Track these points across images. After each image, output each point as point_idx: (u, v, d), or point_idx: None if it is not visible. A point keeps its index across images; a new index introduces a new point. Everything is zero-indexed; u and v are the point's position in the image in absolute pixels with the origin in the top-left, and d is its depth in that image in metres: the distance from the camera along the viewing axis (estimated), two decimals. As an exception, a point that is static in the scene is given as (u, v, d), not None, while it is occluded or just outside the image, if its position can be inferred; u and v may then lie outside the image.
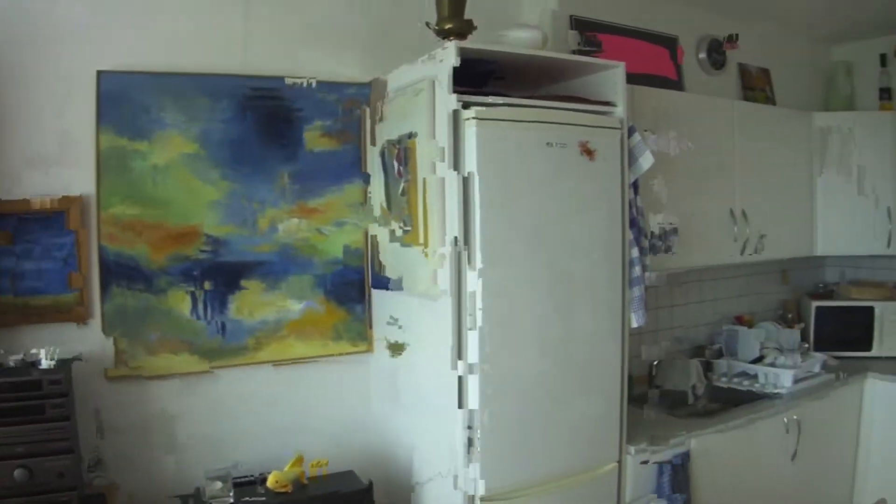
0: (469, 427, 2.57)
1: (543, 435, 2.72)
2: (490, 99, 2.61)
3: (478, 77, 2.78)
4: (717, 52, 4.25)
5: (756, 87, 4.43)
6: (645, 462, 3.05)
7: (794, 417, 3.72)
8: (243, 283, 2.93)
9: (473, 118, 2.51)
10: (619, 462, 2.98)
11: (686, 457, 3.17)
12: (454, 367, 2.57)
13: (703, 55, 4.19)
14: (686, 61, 4.08)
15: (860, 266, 5.14)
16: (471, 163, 2.52)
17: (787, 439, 3.70)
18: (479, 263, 2.53)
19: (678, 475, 3.09)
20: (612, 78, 3.00)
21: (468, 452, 2.58)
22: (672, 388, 3.83)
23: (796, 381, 3.87)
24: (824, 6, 4.28)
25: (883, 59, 4.80)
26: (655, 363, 3.94)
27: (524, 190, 2.63)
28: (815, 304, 4.65)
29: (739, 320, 4.49)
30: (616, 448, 2.97)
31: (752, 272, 4.67)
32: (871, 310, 4.58)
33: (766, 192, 4.12)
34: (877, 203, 4.49)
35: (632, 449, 3.02)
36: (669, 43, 3.97)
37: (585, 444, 2.86)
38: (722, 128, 3.88)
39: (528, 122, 2.63)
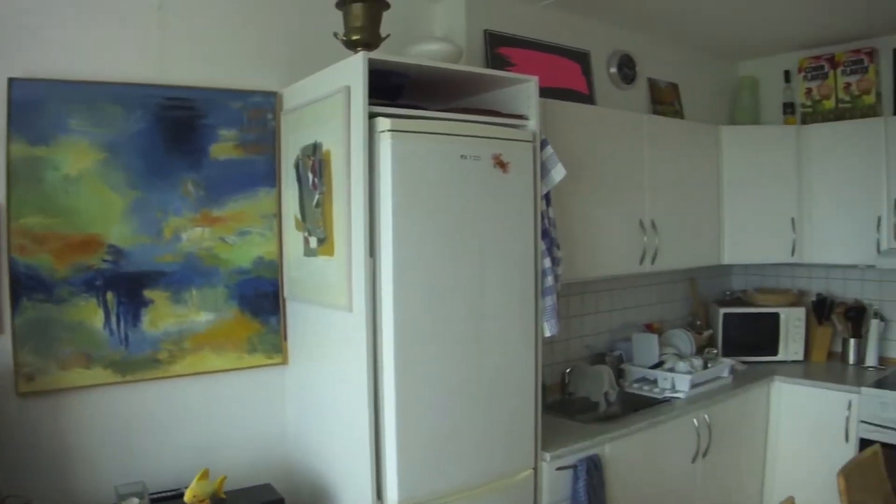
0: (384, 437, 2.59)
1: (459, 443, 2.76)
2: (405, 111, 2.64)
3: (390, 90, 2.80)
4: (627, 67, 4.35)
5: (665, 101, 4.56)
6: (560, 468, 3.11)
7: (705, 418, 3.86)
8: (150, 294, 2.87)
9: (389, 130, 2.53)
10: (535, 469, 3.05)
11: (599, 461, 3.24)
12: (368, 378, 2.58)
13: (613, 70, 4.28)
14: (597, 76, 4.18)
15: (765, 274, 5.34)
16: (385, 175, 2.54)
17: (696, 440, 3.84)
18: (393, 275, 2.54)
19: (593, 480, 3.15)
20: (525, 92, 3.07)
21: (383, 462, 2.60)
22: (585, 396, 3.90)
23: (694, 385, 3.99)
24: (731, 25, 4.43)
25: (787, 76, 5.01)
26: (568, 371, 4.01)
27: (438, 202, 2.66)
28: (723, 310, 4.81)
29: (649, 328, 4.60)
30: (531, 455, 3.03)
31: (662, 281, 4.82)
32: (776, 316, 4.77)
33: (675, 204, 4.26)
34: (781, 213, 4.67)
35: (547, 455, 3.08)
36: (581, 58, 4.06)
37: (501, 451, 2.91)
38: (632, 141, 3.98)
39: (443, 134, 2.66)
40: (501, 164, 2.84)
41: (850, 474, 2.80)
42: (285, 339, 3.20)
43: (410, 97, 3.00)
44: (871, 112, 4.60)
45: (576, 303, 4.27)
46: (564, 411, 3.71)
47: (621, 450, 3.40)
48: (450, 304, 2.70)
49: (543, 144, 3.09)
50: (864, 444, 4.02)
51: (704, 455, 3.90)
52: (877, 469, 3.04)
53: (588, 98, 4.02)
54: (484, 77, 3.02)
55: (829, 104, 4.78)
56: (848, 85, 4.70)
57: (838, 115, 4.73)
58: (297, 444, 3.18)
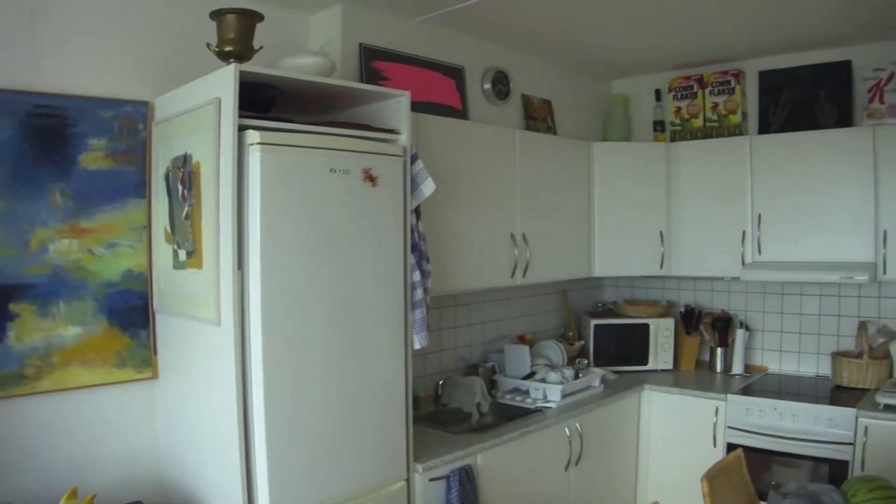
0: (254, 453, 2.58)
1: (331, 457, 2.77)
2: (275, 124, 2.64)
3: (263, 103, 2.80)
4: (501, 84, 4.45)
5: (538, 117, 4.68)
6: (433, 479, 3.16)
7: (577, 427, 3.98)
8: (16, 307, 2.76)
9: (258, 143, 2.53)
10: (408, 480, 3.09)
11: (471, 472, 3.31)
12: (237, 392, 2.57)
13: (488, 86, 4.36)
14: (471, 91, 4.26)
15: (636, 286, 5.54)
16: (254, 188, 2.54)
17: (568, 449, 3.96)
18: (261, 288, 2.54)
19: (465, 490, 3.21)
20: (397, 106, 3.12)
21: (254, 478, 2.59)
22: (458, 407, 3.96)
23: (565, 395, 4.11)
24: (604, 44, 4.58)
25: (657, 94, 5.21)
26: (441, 382, 4.07)
27: (308, 216, 2.67)
28: (594, 322, 4.96)
29: (522, 339, 4.71)
30: (404, 466, 3.07)
31: (535, 293, 4.94)
32: (646, 326, 4.96)
33: (547, 217, 4.38)
34: (650, 227, 4.86)
35: (419, 467, 3.12)
36: (456, 73, 4.13)
37: (374, 463, 2.94)
38: (504, 156, 4.07)
39: (313, 148, 2.69)
40: (371, 179, 2.87)
41: (715, 478, 2.91)
42: (155, 353, 3.13)
43: (283, 110, 3.01)
44: (737, 131, 4.84)
45: (449, 315, 4.33)
46: (437, 422, 3.76)
47: (493, 460, 3.47)
48: (319, 317, 2.72)
49: (414, 159, 3.14)
50: (731, 448, 4.18)
51: (577, 463, 4.02)
52: (740, 472, 3.18)
53: (462, 113, 4.10)
54: (356, 91, 3.06)
55: (698, 123, 5.00)
56: (716, 105, 4.93)
57: (706, 133, 4.96)
58: (169, 460, 3.12)
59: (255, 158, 2.53)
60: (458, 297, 4.30)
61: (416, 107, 3.18)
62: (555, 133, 4.81)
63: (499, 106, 4.45)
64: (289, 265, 2.62)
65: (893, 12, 3.91)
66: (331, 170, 2.73)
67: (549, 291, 5.08)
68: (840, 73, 4.58)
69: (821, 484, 2.94)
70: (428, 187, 3.16)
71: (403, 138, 3.09)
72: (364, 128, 2.97)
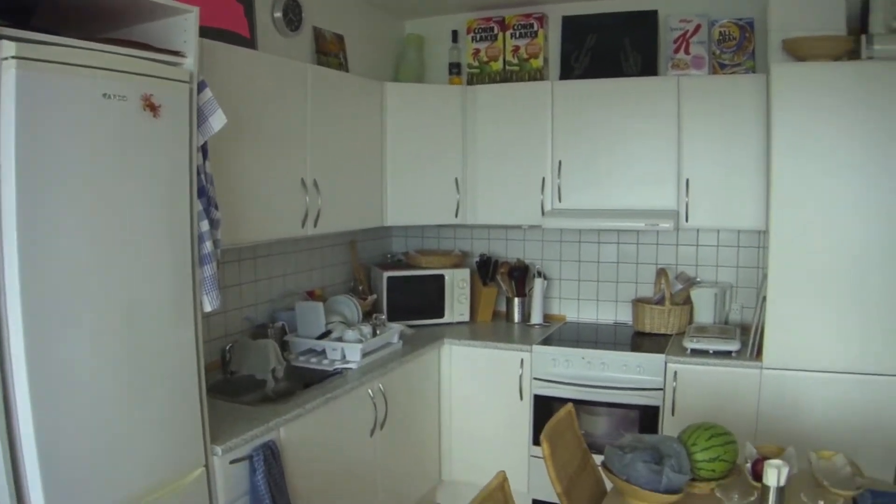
0: (22, 454, 2.03)
1: (116, 452, 2.27)
2: (36, 35, 2.03)
3: (19, 12, 2.19)
4: (293, 13, 3.97)
5: (330, 52, 4.25)
6: (234, 461, 2.73)
7: (380, 388, 3.69)
8: None
9: (13, 57, 1.93)
10: (207, 466, 2.63)
11: (276, 448, 2.91)
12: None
13: (278, 14, 3.87)
14: (260, 19, 3.75)
15: (426, 236, 5.31)
16: (8, 115, 1.93)
17: (373, 412, 3.67)
18: (18, 248, 1.97)
19: (271, 469, 2.81)
20: (182, 25, 2.58)
21: (25, 484, 2.03)
22: (249, 374, 3.51)
23: (365, 354, 3.81)
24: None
25: (454, 35, 4.92)
26: (229, 347, 3.59)
27: (76, 151, 2.11)
28: (387, 274, 4.65)
29: (311, 295, 4.31)
30: (201, 451, 2.61)
31: (321, 245, 4.54)
32: (441, 277, 4.73)
33: (339, 162, 4.00)
34: (445, 174, 4.61)
35: (218, 449, 2.67)
36: (245, -2, 3.61)
37: (167, 451, 2.47)
38: (295, 93, 3.63)
39: (83, 66, 2.11)
40: (152, 107, 2.36)
41: (552, 437, 2.77)
42: None
43: (47, 26, 2.39)
44: (539, 76, 4.67)
45: (232, 271, 3.82)
46: (228, 393, 3.30)
47: (298, 431, 3.09)
48: (91, 281, 2.18)
49: (201, 87, 2.63)
50: (538, 399, 4.16)
51: (382, 427, 3.73)
52: (572, 427, 3.07)
53: (250, 42, 3.58)
54: (135, 4, 2.45)
55: (497, 66, 4.78)
56: (517, 48, 4.72)
57: (505, 77, 4.75)
58: None
59: (9, 76, 1.93)
60: (241, 250, 3.82)
61: (201, 32, 2.66)
62: (346, 70, 4.40)
63: (289, 37, 3.97)
64: (52, 216, 2.06)
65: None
66: (104, 95, 2.18)
67: (336, 243, 4.70)
68: (646, 23, 4.52)
69: (658, 435, 2.88)
70: (218, 120, 2.67)
71: (190, 62, 2.57)
72: (144, 47, 2.42)
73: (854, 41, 3.64)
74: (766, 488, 2.47)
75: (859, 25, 3.76)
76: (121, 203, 2.28)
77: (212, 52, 2.99)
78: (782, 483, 2.45)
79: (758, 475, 2.61)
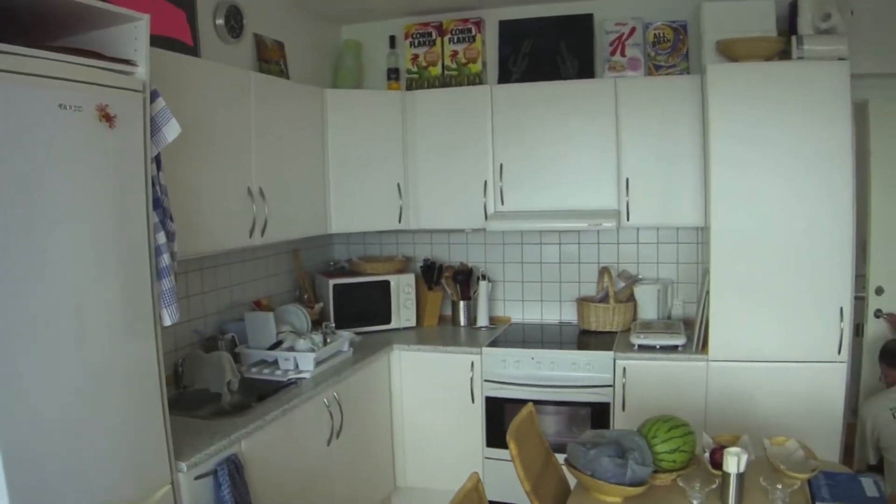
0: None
1: (80, 473, 2.19)
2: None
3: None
4: (234, 20, 3.91)
5: (271, 59, 4.20)
6: (199, 477, 2.67)
7: (335, 396, 3.66)
8: None
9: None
10: (173, 483, 2.57)
11: (239, 461, 2.86)
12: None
13: (220, 21, 3.81)
14: (202, 26, 3.69)
15: (368, 242, 5.30)
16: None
17: (330, 421, 3.64)
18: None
19: (235, 483, 2.76)
20: (132, 33, 2.52)
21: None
22: (203, 387, 3.44)
23: (318, 362, 3.78)
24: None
25: (392, 41, 4.92)
26: (181, 361, 3.52)
27: (34, 165, 2.04)
28: (332, 282, 4.62)
29: (259, 305, 4.26)
30: (166, 467, 2.55)
31: (265, 254, 4.48)
32: (386, 283, 4.72)
33: (283, 170, 3.96)
34: (387, 180, 4.62)
35: (183, 465, 2.60)
36: (187, 5, 3.53)
37: (132, 471, 2.40)
38: (239, 100, 3.58)
39: (38, 76, 2.04)
40: (108, 118, 2.30)
41: (518, 436, 2.80)
42: None
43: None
44: (478, 80, 4.71)
45: (179, 284, 3.67)
46: (184, 408, 3.22)
47: (258, 444, 3.04)
48: (46, 296, 2.09)
49: (154, 96, 2.58)
50: (489, 401, 4.18)
51: (338, 436, 3.70)
52: (534, 426, 3.11)
53: (193, 50, 3.52)
54: (85, 11, 2.38)
55: (436, 71, 4.80)
56: (455, 53, 4.75)
57: (444, 82, 4.78)
58: None
59: (-39, 87, 1.88)
60: (188, 262, 3.74)
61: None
62: (287, 78, 4.36)
63: (231, 45, 3.91)
64: (11, 232, 1.98)
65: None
66: (60, 105, 2.12)
67: (280, 252, 4.65)
68: (582, 26, 4.60)
69: (619, 430, 2.92)
70: (171, 130, 2.62)
71: (141, 71, 2.51)
72: (94, 56, 2.35)
73: (785, 42, 3.79)
74: (726, 475, 2.56)
75: (788, 27, 3.90)
76: (78, 217, 2.21)
77: (157, 60, 2.91)
78: (742, 469, 2.54)
79: (717, 463, 2.70)
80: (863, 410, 3.90)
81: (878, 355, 4.08)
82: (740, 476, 2.54)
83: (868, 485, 2.65)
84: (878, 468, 3.69)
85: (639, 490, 2.61)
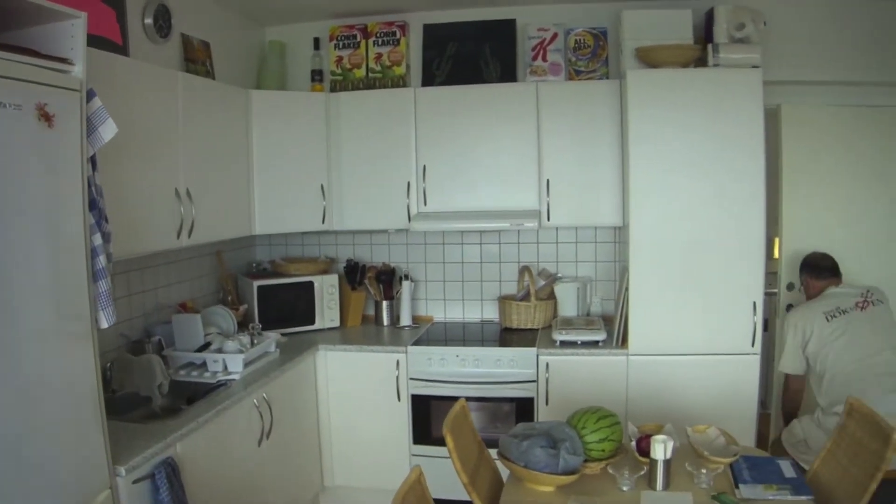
0: None
1: (18, 480, 2.15)
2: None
3: None
4: (163, 20, 3.86)
5: (198, 59, 4.17)
6: (137, 480, 2.66)
7: (264, 397, 3.67)
8: None
9: None
10: (112, 488, 2.54)
11: (175, 464, 2.85)
12: None
13: (149, 20, 3.76)
14: (132, 25, 3.64)
15: (290, 243, 5.30)
16: None
17: (260, 421, 3.65)
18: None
19: (173, 485, 2.75)
20: (67, 31, 2.48)
21: None
22: (134, 391, 3.40)
23: (247, 363, 3.79)
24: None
25: (316, 43, 4.93)
26: (109, 365, 3.47)
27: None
28: (257, 283, 4.62)
29: (183, 307, 4.22)
30: (105, 473, 2.52)
31: (189, 256, 4.43)
32: (310, 284, 4.73)
33: (210, 171, 3.95)
34: (311, 181, 4.64)
35: (121, 469, 2.58)
36: (117, 3, 3.48)
37: (71, 476, 2.37)
38: (167, 101, 3.55)
39: None
40: (46, 117, 2.28)
41: (453, 430, 2.85)
42: None
43: None
44: (402, 83, 4.77)
45: (107, 286, 3.69)
46: (115, 412, 3.12)
47: (193, 446, 3.03)
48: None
49: (90, 95, 2.55)
50: (416, 399, 4.24)
51: (268, 436, 3.71)
52: (467, 420, 3.19)
53: (122, 49, 3.48)
54: (20, 7, 2.34)
55: (360, 73, 4.84)
56: (379, 55, 4.81)
57: (369, 84, 4.83)
58: None
59: None
60: (115, 265, 3.67)
61: (77, 36, 2.57)
62: (213, 78, 4.33)
63: (159, 45, 3.87)
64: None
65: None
66: (0, 104, 2.09)
67: (203, 254, 4.61)
68: (505, 31, 4.73)
69: (549, 421, 3.01)
70: (108, 130, 2.60)
71: (78, 70, 2.48)
72: (30, 53, 2.32)
73: (701, 50, 3.97)
74: (654, 462, 2.69)
75: (705, 35, 4.09)
76: (15, 218, 2.18)
77: (91, 59, 2.88)
78: (668, 456, 2.68)
79: (643, 451, 2.84)
80: (789, 321, 4.10)
81: (798, 269, 4.34)
82: (667, 462, 2.68)
83: (786, 466, 2.84)
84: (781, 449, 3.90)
85: (571, 479, 2.72)
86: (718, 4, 4.03)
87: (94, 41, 3.14)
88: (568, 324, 4.39)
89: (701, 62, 4.00)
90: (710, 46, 3.92)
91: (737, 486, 2.69)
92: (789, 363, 4.09)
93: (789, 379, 4.23)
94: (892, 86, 4.49)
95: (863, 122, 4.55)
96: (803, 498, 2.60)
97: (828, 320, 3.93)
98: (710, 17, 4.06)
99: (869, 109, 4.59)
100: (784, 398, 4.31)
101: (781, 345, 4.18)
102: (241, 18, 4.86)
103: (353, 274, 4.90)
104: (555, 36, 4.55)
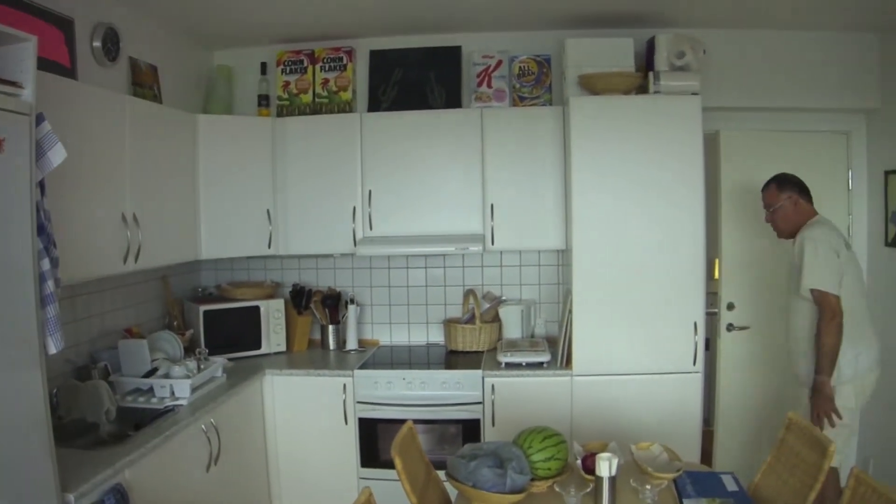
0: None
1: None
2: None
3: None
4: (111, 43, 3.86)
5: (145, 83, 4.17)
6: (86, 509, 2.63)
7: (212, 422, 3.66)
8: None
9: None
10: (62, 515, 2.52)
11: (124, 490, 2.83)
12: None
13: (97, 44, 3.76)
14: (80, 48, 3.64)
15: (235, 268, 5.29)
16: None
17: (208, 447, 3.64)
18: None
19: (124, 513, 2.74)
20: (17, 54, 2.49)
21: None
22: (80, 417, 3.36)
23: (194, 389, 3.78)
24: (209, 11, 4.29)
25: (263, 68, 4.97)
26: (55, 391, 3.42)
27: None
28: (203, 308, 4.60)
29: (129, 332, 4.19)
30: (55, 499, 2.50)
31: (134, 281, 4.40)
32: (256, 309, 4.73)
33: (157, 196, 3.94)
34: (257, 205, 4.65)
35: (71, 497, 2.56)
36: (66, 26, 3.48)
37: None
38: (114, 125, 3.54)
39: None
40: (-3, 142, 2.29)
41: (401, 451, 2.89)
42: None
43: None
44: (348, 108, 4.83)
45: (52, 312, 3.65)
46: (61, 439, 3.07)
47: (142, 472, 3.01)
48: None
49: (39, 119, 2.55)
50: (363, 423, 4.26)
51: (216, 462, 3.69)
52: (415, 443, 3.22)
53: (70, 72, 3.47)
54: None
55: (307, 98, 4.88)
56: (326, 81, 4.85)
57: (315, 109, 4.87)
58: None
59: None
60: (61, 290, 3.64)
61: (24, 60, 2.57)
62: (161, 102, 4.33)
63: (107, 68, 3.86)
64: None
65: (499, 4, 4.24)
66: (-49, 128, 2.10)
67: (149, 279, 4.58)
68: (450, 58, 4.83)
69: (496, 441, 3.06)
70: (57, 155, 2.61)
71: (28, 93, 2.49)
72: (-24, 77, 2.34)
73: (642, 77, 4.11)
74: (599, 479, 2.75)
75: (646, 63, 4.22)
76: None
77: (38, 82, 2.88)
78: (613, 473, 2.74)
79: (589, 469, 2.91)
80: (809, 238, 3.56)
81: (776, 184, 3.87)
82: (612, 479, 2.74)
83: (728, 480, 2.94)
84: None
85: (518, 497, 2.77)
86: (660, 33, 4.17)
87: (42, 64, 3.13)
88: (513, 346, 4.46)
89: (642, 89, 4.14)
90: (651, 74, 4.06)
91: (681, 501, 2.79)
92: (827, 277, 3.46)
93: (829, 299, 3.45)
94: (815, 112, 4.74)
95: (791, 146, 4.73)
96: (745, 510, 2.70)
97: (847, 248, 3.64)
98: (651, 46, 4.21)
99: (796, 134, 4.80)
100: (827, 330, 3.44)
101: (798, 266, 3.59)
102: (189, 42, 4.88)
103: (300, 298, 4.91)
104: (499, 63, 4.67)
